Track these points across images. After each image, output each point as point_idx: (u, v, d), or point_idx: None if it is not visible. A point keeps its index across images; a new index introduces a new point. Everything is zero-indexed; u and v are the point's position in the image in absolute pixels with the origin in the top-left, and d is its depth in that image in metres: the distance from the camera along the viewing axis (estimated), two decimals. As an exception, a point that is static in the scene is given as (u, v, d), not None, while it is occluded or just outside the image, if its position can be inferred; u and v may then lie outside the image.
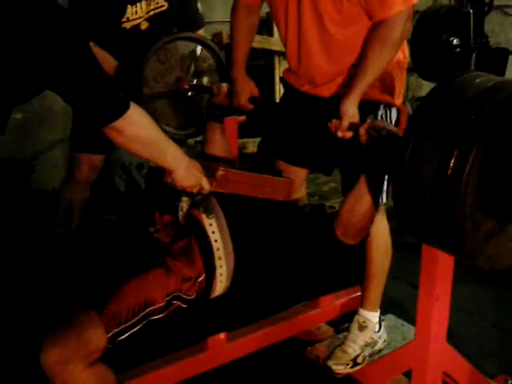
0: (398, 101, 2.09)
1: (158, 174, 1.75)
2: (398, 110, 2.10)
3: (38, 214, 2.89)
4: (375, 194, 1.83)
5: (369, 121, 1.74)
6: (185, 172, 1.70)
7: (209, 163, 1.85)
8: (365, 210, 1.84)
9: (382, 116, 2.06)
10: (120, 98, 1.53)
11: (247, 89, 2.21)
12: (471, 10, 4.75)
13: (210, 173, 1.78)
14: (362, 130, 1.74)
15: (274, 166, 2.32)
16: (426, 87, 5.15)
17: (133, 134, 1.57)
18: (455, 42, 4.50)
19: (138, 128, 1.57)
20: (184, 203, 1.80)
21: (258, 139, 3.84)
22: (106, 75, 1.53)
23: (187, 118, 2.51)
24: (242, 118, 2.78)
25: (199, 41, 2.45)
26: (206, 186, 1.76)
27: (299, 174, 2.29)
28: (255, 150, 3.74)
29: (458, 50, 4.53)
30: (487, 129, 1.31)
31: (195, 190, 1.75)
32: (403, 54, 2.07)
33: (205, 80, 2.40)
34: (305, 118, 2.16)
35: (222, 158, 2.16)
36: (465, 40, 4.50)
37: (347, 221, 1.87)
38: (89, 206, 2.75)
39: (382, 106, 2.05)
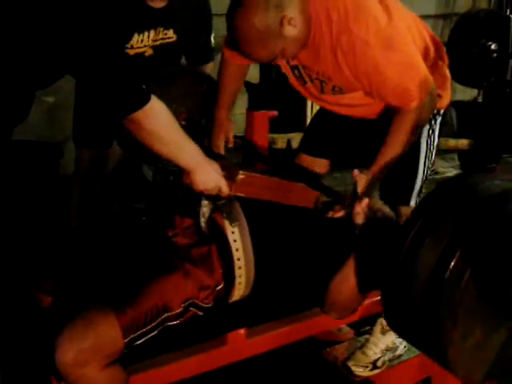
0: (443, 104, 2.08)
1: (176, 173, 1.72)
2: (444, 114, 2.08)
3: (65, 199, 2.91)
4: (361, 276, 1.79)
5: (366, 200, 1.67)
6: (203, 174, 1.66)
7: (229, 165, 1.81)
8: (351, 290, 1.82)
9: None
10: (141, 89, 1.50)
11: (222, 131, 2.22)
12: (511, 15, 4.68)
13: (229, 175, 1.74)
14: (359, 209, 1.67)
15: (297, 160, 2.37)
16: (459, 91, 5.08)
17: (152, 128, 1.52)
18: (493, 46, 4.44)
19: (157, 122, 1.53)
20: (205, 208, 1.73)
21: (287, 135, 3.84)
22: (129, 65, 1.51)
23: None
24: (273, 112, 2.76)
25: (200, 76, 2.40)
26: (225, 188, 1.72)
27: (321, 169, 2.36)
28: (284, 145, 3.73)
29: (495, 55, 4.47)
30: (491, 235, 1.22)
31: (214, 193, 1.71)
32: (442, 60, 2.08)
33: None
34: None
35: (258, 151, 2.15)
36: (503, 45, 4.43)
37: (334, 298, 1.85)
38: (116, 194, 2.77)
39: None
